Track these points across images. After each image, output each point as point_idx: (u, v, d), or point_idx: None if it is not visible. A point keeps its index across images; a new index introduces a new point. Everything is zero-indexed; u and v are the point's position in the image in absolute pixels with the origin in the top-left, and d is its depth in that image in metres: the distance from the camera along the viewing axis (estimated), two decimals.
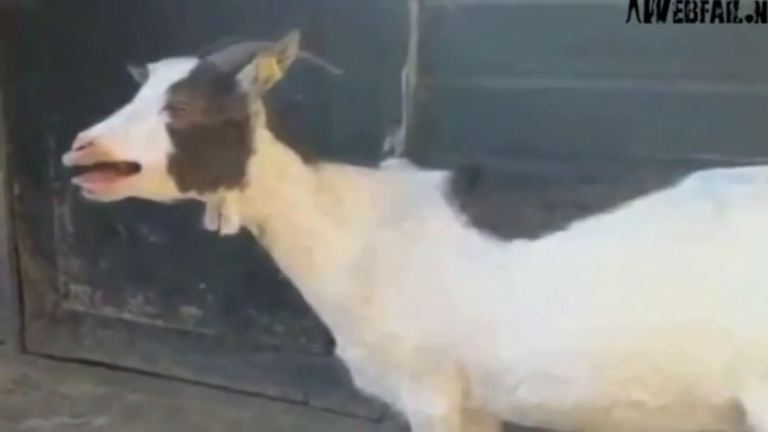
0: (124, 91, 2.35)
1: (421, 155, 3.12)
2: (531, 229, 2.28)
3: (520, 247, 2.28)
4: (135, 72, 2.43)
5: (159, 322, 4.04)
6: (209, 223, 2.41)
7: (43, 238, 4.24)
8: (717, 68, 2.85)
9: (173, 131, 2.22)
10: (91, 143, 2.14)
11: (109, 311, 4.17)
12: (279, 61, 2.30)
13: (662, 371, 2.12)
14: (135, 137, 2.19)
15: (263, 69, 2.29)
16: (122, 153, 2.18)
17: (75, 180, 2.19)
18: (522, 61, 3.10)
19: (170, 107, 2.24)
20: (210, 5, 3.57)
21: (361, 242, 2.43)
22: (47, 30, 3.98)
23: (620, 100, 2.99)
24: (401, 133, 3.25)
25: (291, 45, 2.30)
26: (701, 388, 2.10)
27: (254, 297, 3.70)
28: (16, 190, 4.26)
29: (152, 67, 2.35)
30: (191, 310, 3.94)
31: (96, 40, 3.82)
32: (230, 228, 2.36)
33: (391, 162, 2.76)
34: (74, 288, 4.24)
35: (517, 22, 3.09)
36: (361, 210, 2.46)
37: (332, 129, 3.31)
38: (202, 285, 3.88)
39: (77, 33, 3.89)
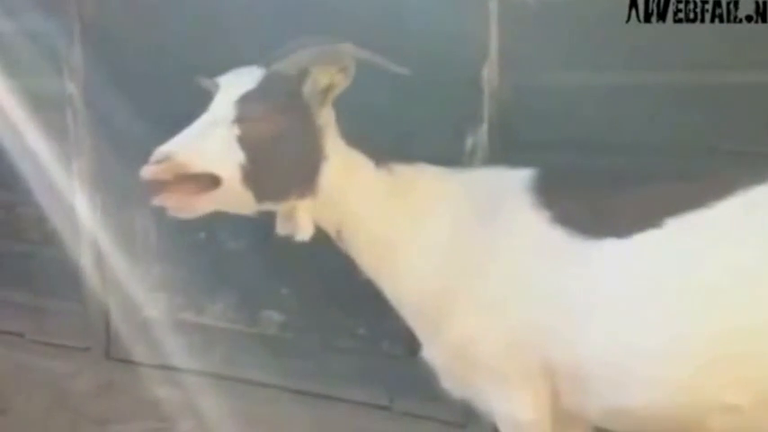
0: (203, 102, 2.37)
1: (503, 153, 3.10)
2: (621, 227, 2.22)
3: (610, 244, 2.22)
4: (206, 83, 2.46)
5: (241, 327, 4.06)
6: (281, 228, 2.43)
7: (126, 245, 4.29)
8: None
9: (244, 143, 2.24)
10: (167, 157, 2.17)
11: (190, 317, 4.21)
12: (339, 70, 2.29)
13: (759, 373, 2.04)
14: (209, 150, 2.22)
15: (320, 80, 2.30)
16: (198, 166, 2.20)
17: (157, 200, 2.23)
18: (606, 56, 3.02)
19: (240, 119, 2.26)
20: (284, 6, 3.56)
21: (442, 243, 2.41)
22: (131, 41, 4.04)
23: (707, 93, 2.90)
24: (483, 132, 3.20)
25: (347, 53, 2.29)
26: None
27: (336, 301, 3.69)
28: (99, 200, 4.33)
29: (221, 79, 2.38)
30: (272, 315, 3.95)
31: (178, 51, 3.84)
32: (304, 234, 2.37)
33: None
34: (156, 294, 4.28)
35: (600, 16, 3.01)
36: (440, 211, 2.44)
37: (413, 129, 3.27)
38: (283, 290, 3.88)
39: (160, 44, 3.93)
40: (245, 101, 2.28)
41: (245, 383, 4.02)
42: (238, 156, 2.23)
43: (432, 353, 2.50)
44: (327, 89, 2.32)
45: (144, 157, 2.22)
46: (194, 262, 4.13)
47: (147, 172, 2.17)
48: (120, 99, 4.08)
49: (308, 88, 2.31)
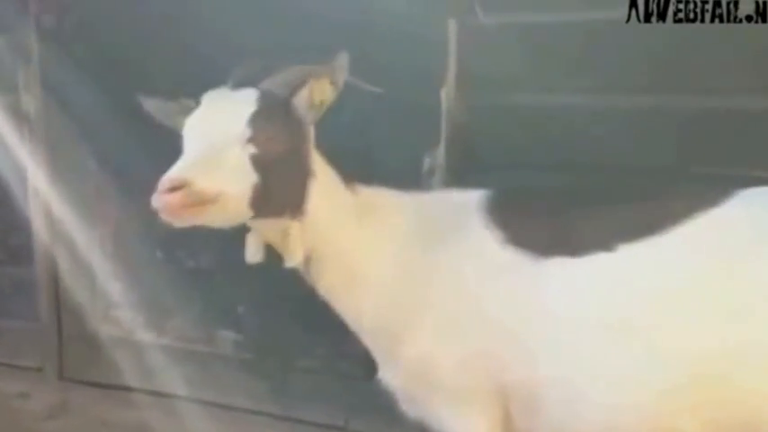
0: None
1: (461, 174, 3.11)
2: (573, 247, 2.23)
3: (560, 265, 2.22)
4: (146, 103, 2.43)
5: (198, 347, 4.02)
6: (252, 256, 2.39)
7: (82, 262, 4.24)
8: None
9: (257, 163, 2.20)
10: (185, 184, 2.06)
11: (147, 336, 4.16)
12: (331, 83, 2.29)
13: (713, 401, 2.04)
14: (224, 172, 2.15)
15: (317, 93, 2.28)
16: (215, 190, 2.11)
17: (155, 203, 2.08)
18: (562, 78, 3.05)
19: (254, 138, 2.21)
20: (246, 32, 3.55)
21: (400, 264, 2.41)
22: (88, 50, 4.00)
23: (665, 116, 2.94)
24: (440, 153, 3.21)
25: (341, 67, 2.29)
26: (753, 418, 2.01)
27: (293, 321, 3.67)
28: (55, 214, 4.27)
29: (206, 98, 2.32)
30: (229, 335, 3.92)
31: (135, 61, 3.82)
32: (294, 259, 2.35)
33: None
34: (112, 313, 4.24)
35: (555, 39, 3.04)
36: (396, 234, 2.44)
37: (371, 149, 3.28)
38: (240, 309, 3.86)
39: (117, 55, 3.90)
40: (255, 120, 2.22)
41: (201, 404, 3.98)
42: (252, 176, 2.19)
43: (388, 374, 2.49)
44: (321, 104, 2.30)
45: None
46: (151, 281, 4.09)
47: (162, 201, 2.06)
48: (77, 115, 4.05)
49: (302, 104, 2.29)
